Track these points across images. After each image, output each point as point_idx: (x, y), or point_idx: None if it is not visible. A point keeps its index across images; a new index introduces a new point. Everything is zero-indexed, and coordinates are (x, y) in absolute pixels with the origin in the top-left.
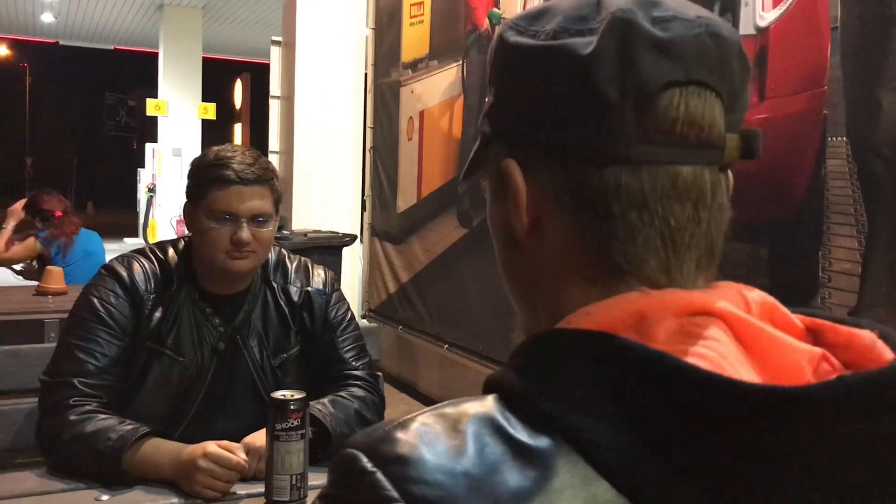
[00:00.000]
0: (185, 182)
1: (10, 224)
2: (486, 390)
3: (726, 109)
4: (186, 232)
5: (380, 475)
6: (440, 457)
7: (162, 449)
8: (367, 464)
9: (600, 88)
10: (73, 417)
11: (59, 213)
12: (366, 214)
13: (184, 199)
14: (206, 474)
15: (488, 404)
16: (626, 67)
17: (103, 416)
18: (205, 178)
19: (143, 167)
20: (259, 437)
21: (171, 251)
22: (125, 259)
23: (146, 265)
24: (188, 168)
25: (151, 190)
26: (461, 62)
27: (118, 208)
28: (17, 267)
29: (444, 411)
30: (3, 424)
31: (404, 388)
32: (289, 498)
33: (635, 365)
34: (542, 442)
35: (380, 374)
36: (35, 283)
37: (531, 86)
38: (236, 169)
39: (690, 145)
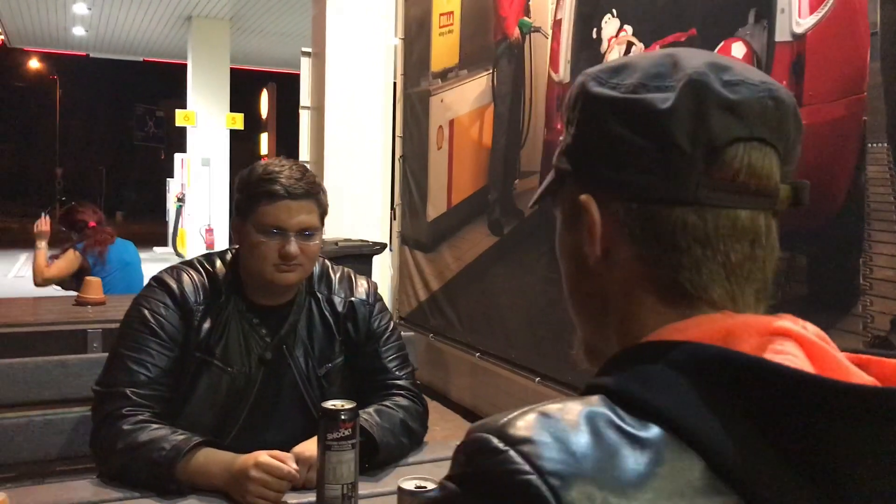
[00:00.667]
0: (213, 192)
1: (42, 243)
2: (588, 392)
3: (781, 162)
4: (213, 243)
5: (512, 452)
6: (563, 440)
7: (214, 459)
8: (499, 444)
9: (675, 139)
10: (126, 427)
11: (92, 224)
12: (395, 223)
13: (211, 209)
14: (258, 484)
15: (595, 402)
16: (699, 123)
17: (156, 425)
18: (254, 193)
19: (172, 177)
20: (309, 447)
21: (218, 263)
22: (174, 271)
23: (195, 277)
24: (236, 182)
25: (181, 200)
26: (491, 71)
27: (147, 218)
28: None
29: (556, 406)
30: (51, 433)
31: (435, 396)
32: None
33: (735, 368)
34: (651, 433)
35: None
36: (72, 293)
37: (610, 132)
38: (284, 184)
39: (750, 193)
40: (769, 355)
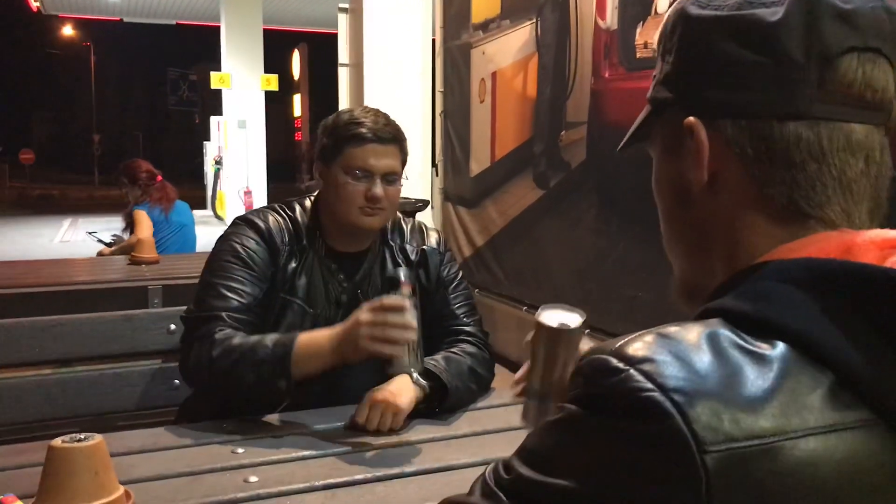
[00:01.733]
0: (250, 154)
1: (113, 247)
2: (704, 316)
3: (895, 78)
4: (252, 205)
5: (633, 371)
6: (685, 359)
7: (315, 338)
8: (619, 363)
9: (787, 51)
10: (219, 337)
11: (160, 178)
12: (437, 179)
13: (249, 170)
14: (371, 325)
15: (714, 323)
16: (812, 33)
17: (243, 334)
18: (341, 136)
19: (208, 140)
20: (386, 390)
21: (298, 209)
22: (260, 213)
23: (279, 219)
24: (320, 128)
25: (218, 162)
26: (535, 20)
27: (185, 181)
28: (108, 239)
29: (674, 328)
30: (121, 386)
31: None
32: (407, 361)
33: (858, 279)
34: (775, 349)
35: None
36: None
37: (717, 51)
38: (372, 128)
39: (864, 106)
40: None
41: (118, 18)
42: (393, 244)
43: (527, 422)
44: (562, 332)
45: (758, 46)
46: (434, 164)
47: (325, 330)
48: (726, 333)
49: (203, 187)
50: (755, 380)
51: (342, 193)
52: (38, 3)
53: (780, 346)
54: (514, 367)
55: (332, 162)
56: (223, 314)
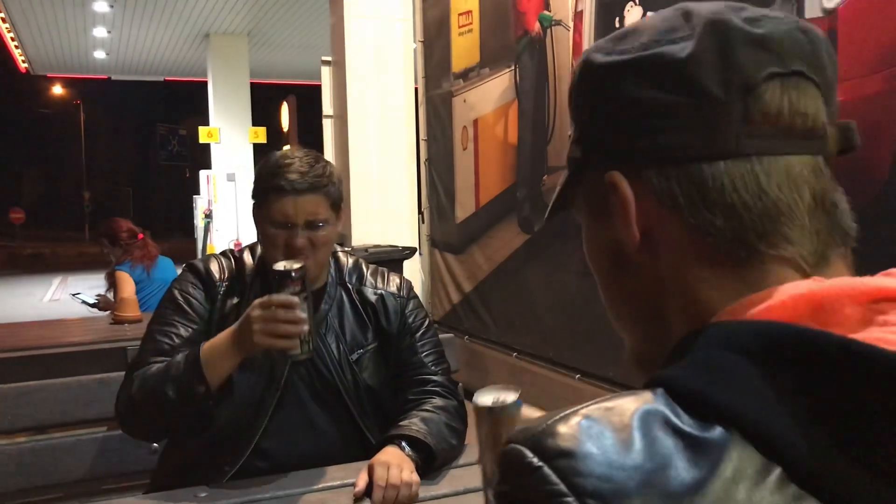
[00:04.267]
0: (240, 206)
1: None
2: (649, 386)
3: (824, 101)
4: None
5: (546, 469)
6: (607, 450)
7: (218, 338)
8: (533, 458)
9: (704, 86)
10: (138, 374)
11: (141, 236)
12: (424, 226)
13: (238, 223)
14: (260, 321)
15: (652, 398)
16: (728, 63)
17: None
18: (265, 186)
19: (198, 194)
20: (383, 457)
21: (247, 253)
22: (205, 257)
23: (222, 261)
24: (256, 169)
25: (208, 216)
26: (513, 68)
27: (175, 236)
28: (90, 300)
29: (606, 405)
30: (100, 452)
31: (472, 397)
32: (300, 351)
33: (820, 353)
34: (713, 434)
35: (459, 382)
36: (102, 312)
37: (628, 97)
38: (290, 179)
39: (797, 135)
40: (868, 330)
41: (106, 77)
42: (350, 286)
43: None
44: (497, 410)
45: (672, 86)
46: (420, 212)
47: (226, 331)
48: (662, 412)
49: (194, 241)
50: (686, 471)
51: (267, 240)
52: (26, 65)
53: (720, 431)
54: None
55: (260, 208)
56: (150, 359)
